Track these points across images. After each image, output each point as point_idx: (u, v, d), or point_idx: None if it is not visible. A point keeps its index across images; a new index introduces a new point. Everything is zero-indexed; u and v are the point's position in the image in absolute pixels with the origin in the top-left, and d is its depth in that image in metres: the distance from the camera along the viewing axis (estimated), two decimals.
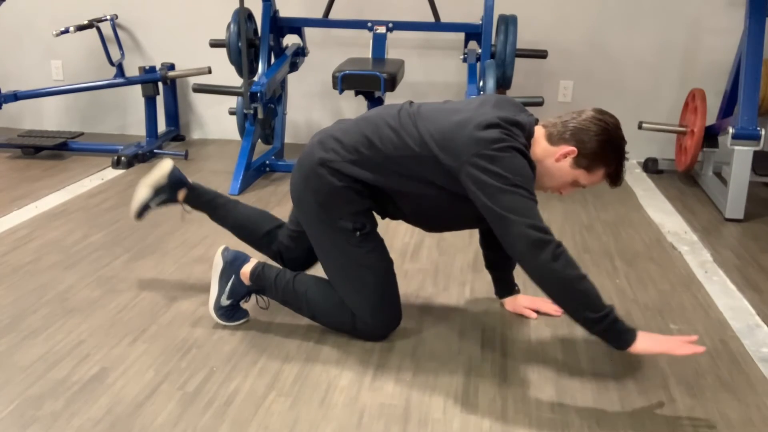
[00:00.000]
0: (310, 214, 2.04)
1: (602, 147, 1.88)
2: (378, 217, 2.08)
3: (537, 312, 2.27)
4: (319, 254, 2.09)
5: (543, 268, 1.76)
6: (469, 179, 1.80)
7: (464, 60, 3.80)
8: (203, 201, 2.33)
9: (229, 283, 2.13)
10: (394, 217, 2.11)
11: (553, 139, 1.91)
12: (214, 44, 3.96)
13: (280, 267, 2.15)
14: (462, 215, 1.99)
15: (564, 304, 1.82)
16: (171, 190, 2.29)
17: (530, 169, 1.84)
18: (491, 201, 1.77)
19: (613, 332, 1.78)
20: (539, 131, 1.93)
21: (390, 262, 2.08)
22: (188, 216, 2.36)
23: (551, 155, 1.90)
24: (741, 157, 3.22)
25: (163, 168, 2.28)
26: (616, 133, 1.89)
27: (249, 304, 2.21)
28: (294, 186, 2.08)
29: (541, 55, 3.84)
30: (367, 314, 2.02)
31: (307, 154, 2.02)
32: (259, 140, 3.96)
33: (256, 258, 2.19)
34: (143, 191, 2.28)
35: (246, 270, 2.13)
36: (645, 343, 1.78)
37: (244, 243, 2.35)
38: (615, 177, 1.93)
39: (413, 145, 1.89)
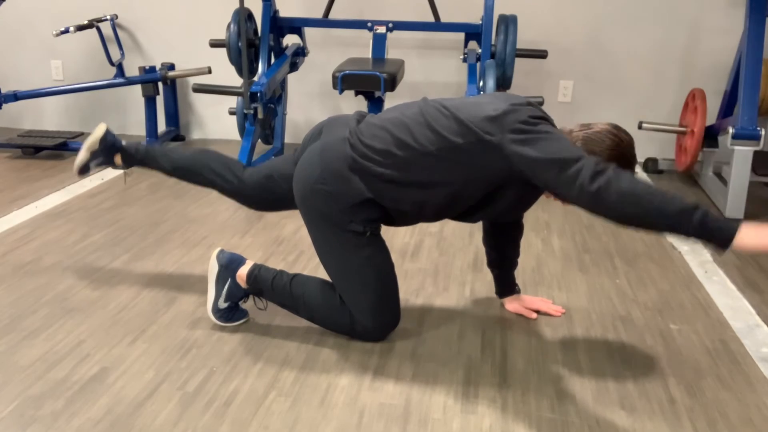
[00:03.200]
0: (318, 212, 1.99)
1: (613, 161, 1.86)
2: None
3: (537, 312, 2.27)
4: (321, 253, 2.07)
5: (608, 190, 1.67)
6: (513, 143, 1.79)
7: (464, 60, 3.80)
8: (139, 159, 2.39)
9: (226, 286, 2.12)
10: (404, 224, 2.09)
11: None
12: (214, 44, 3.96)
13: (277, 269, 2.15)
14: (480, 211, 1.99)
15: (645, 220, 1.68)
16: (105, 154, 2.39)
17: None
18: (539, 151, 1.76)
19: (708, 230, 1.62)
20: None
21: (392, 264, 2.07)
22: (129, 179, 2.45)
23: None
24: (741, 157, 3.22)
25: (96, 133, 2.38)
26: (628, 150, 1.90)
27: (248, 304, 2.21)
28: (307, 181, 2.00)
29: (541, 55, 3.84)
30: (366, 315, 2.02)
31: (335, 151, 1.96)
32: (259, 140, 3.96)
33: (252, 260, 2.19)
34: (81, 154, 2.39)
35: (242, 273, 2.13)
36: (752, 235, 1.58)
37: (194, 185, 2.37)
38: None
39: (452, 136, 1.86)
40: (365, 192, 1.92)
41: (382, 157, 1.91)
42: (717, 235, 1.62)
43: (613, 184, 1.67)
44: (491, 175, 1.87)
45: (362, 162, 1.92)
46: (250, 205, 2.33)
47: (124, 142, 2.41)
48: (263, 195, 2.23)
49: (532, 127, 1.81)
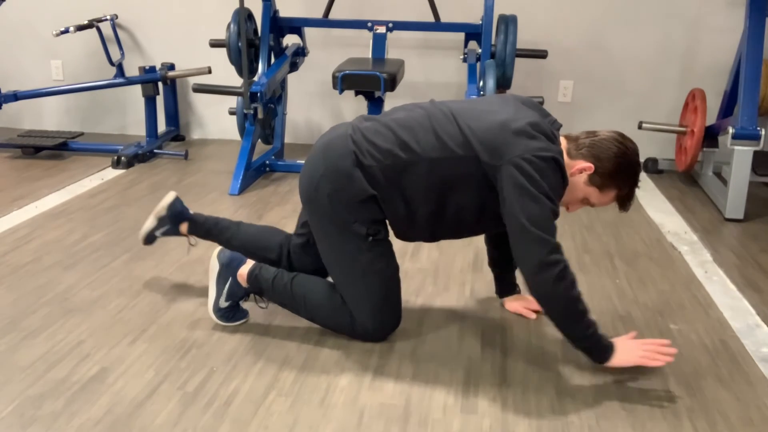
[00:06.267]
0: (323, 211, 1.99)
1: (618, 168, 1.89)
2: None
3: (536, 312, 2.27)
4: (324, 253, 2.07)
5: (546, 286, 1.81)
6: (508, 178, 1.81)
7: (464, 60, 3.80)
8: (205, 229, 2.35)
9: (227, 285, 2.12)
10: (402, 232, 2.08)
11: (571, 154, 1.91)
12: (214, 44, 3.96)
13: (278, 268, 2.15)
14: (477, 224, 2.01)
15: (557, 320, 1.89)
16: (172, 222, 2.34)
17: (563, 183, 1.88)
18: (519, 204, 1.80)
19: (596, 349, 1.89)
20: (562, 143, 1.93)
21: (397, 268, 2.07)
22: (192, 248, 2.44)
23: (567, 169, 1.90)
24: (741, 157, 3.22)
25: (165, 199, 2.35)
26: (634, 158, 1.91)
27: (248, 304, 2.21)
28: (311, 180, 2.00)
29: (541, 55, 3.84)
30: (367, 317, 2.02)
31: (338, 148, 1.96)
32: (259, 140, 3.96)
33: (252, 259, 2.19)
34: (149, 221, 2.36)
35: (243, 272, 2.12)
36: (620, 357, 1.88)
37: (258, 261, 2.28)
38: (625, 200, 1.94)
39: (454, 146, 1.87)
40: (368, 188, 1.92)
41: (384, 156, 1.91)
42: (598, 356, 1.90)
43: (551, 287, 1.81)
44: (483, 189, 1.88)
45: (364, 158, 1.92)
46: (318, 273, 2.19)
47: (192, 212, 2.37)
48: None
49: (531, 173, 1.80)
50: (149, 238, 2.38)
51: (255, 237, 2.33)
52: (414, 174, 1.90)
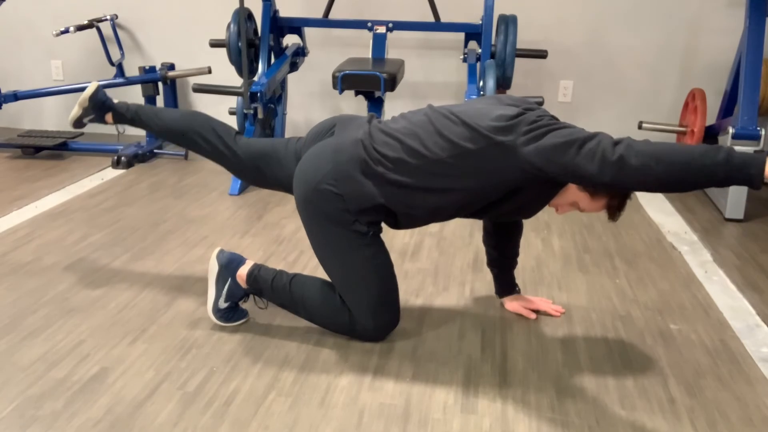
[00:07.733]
0: (321, 211, 1.98)
1: None
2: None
3: (537, 312, 2.27)
4: (320, 250, 2.06)
5: (632, 149, 1.67)
6: (527, 143, 1.80)
7: (464, 60, 3.80)
8: (129, 118, 2.41)
9: (226, 286, 2.12)
10: (410, 227, 2.10)
11: None
12: (214, 44, 3.96)
13: (277, 269, 2.15)
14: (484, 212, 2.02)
15: (672, 175, 1.66)
16: (95, 111, 2.42)
17: None
18: (554, 138, 1.77)
19: (736, 165, 1.61)
20: None
21: (392, 265, 2.07)
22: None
23: None
24: None
25: (87, 90, 2.40)
26: None
27: (248, 304, 2.21)
28: (314, 178, 1.97)
29: (541, 55, 3.84)
30: (366, 315, 2.02)
31: (349, 153, 1.95)
32: None
33: (252, 260, 2.19)
34: (74, 109, 2.43)
35: (242, 273, 2.13)
36: None
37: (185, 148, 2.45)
38: (615, 210, 1.93)
39: (464, 142, 1.86)
40: (377, 197, 1.92)
41: (395, 165, 1.91)
42: (745, 169, 1.60)
43: (634, 148, 1.69)
44: (504, 179, 1.87)
45: (375, 167, 1.92)
46: (236, 175, 2.40)
47: (115, 101, 2.44)
48: (252, 173, 2.26)
49: (542, 121, 1.83)
50: (78, 123, 2.44)
51: (176, 123, 2.36)
52: (427, 177, 1.90)
